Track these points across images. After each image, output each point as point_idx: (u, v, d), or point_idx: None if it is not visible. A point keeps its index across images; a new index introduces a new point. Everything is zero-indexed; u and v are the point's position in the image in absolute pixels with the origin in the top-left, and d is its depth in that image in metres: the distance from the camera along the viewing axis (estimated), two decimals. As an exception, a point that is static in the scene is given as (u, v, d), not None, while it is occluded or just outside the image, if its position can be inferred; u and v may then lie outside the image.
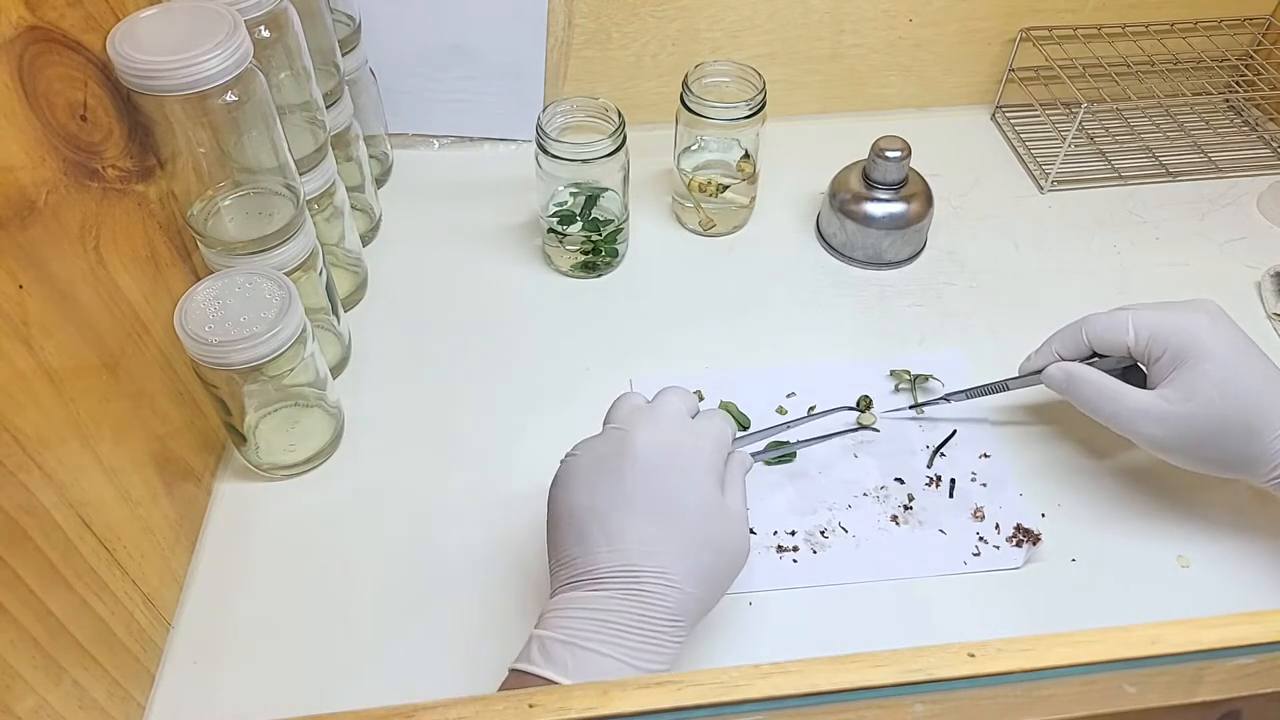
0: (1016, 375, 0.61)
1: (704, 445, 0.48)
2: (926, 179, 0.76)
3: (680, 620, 0.44)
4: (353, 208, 0.72)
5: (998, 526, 0.59)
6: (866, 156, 0.74)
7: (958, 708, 0.29)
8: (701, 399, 0.66)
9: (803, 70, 0.88)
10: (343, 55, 0.71)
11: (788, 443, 0.61)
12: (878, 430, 0.64)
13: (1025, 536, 0.58)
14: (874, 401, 0.66)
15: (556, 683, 0.41)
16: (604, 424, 0.51)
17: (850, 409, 0.64)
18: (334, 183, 0.66)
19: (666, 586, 0.44)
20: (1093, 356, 0.57)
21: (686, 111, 0.73)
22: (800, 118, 0.90)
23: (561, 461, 0.50)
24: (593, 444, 0.49)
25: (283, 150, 0.57)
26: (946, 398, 0.64)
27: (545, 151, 0.69)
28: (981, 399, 0.63)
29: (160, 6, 0.51)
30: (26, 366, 0.43)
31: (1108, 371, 0.56)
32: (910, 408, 0.65)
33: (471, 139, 0.88)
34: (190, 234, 0.58)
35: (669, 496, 0.46)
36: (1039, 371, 0.59)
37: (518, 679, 0.43)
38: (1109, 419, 0.55)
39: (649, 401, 0.51)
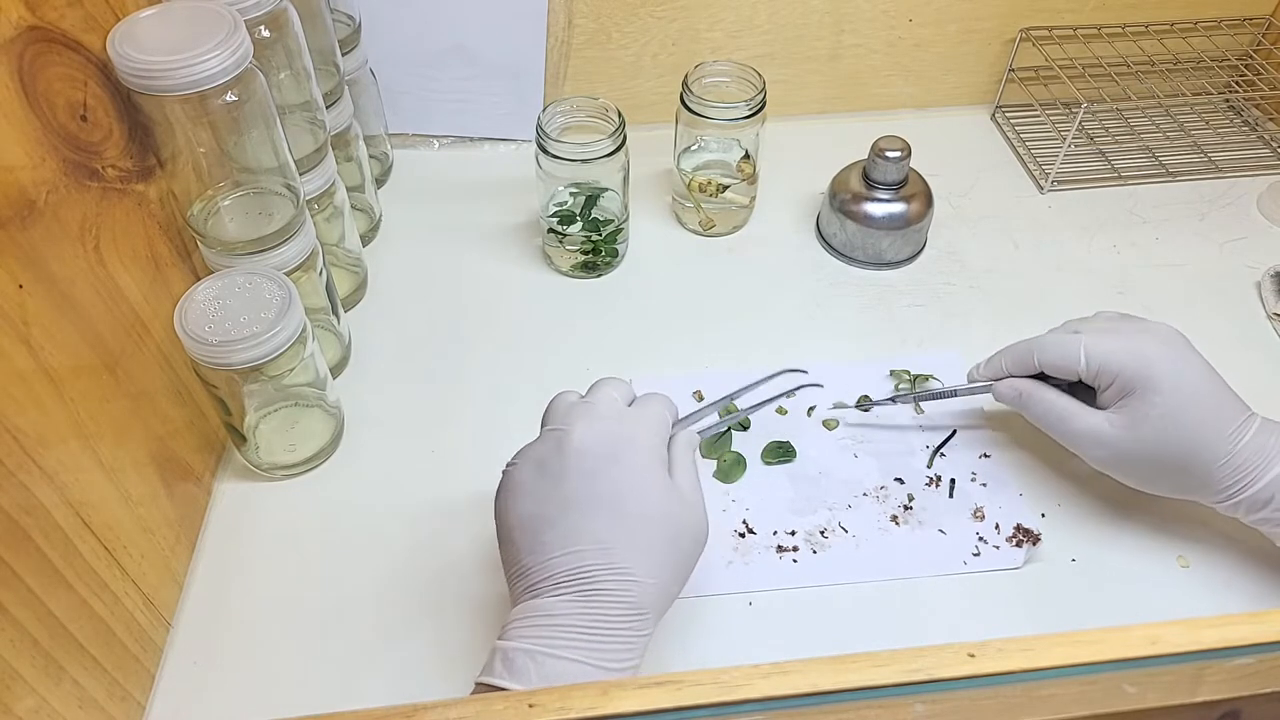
0: (965, 385, 0.62)
1: (642, 431, 0.48)
2: (926, 179, 0.76)
3: (643, 614, 0.44)
4: (353, 208, 0.72)
5: (998, 526, 0.59)
6: (866, 156, 0.74)
7: (958, 708, 0.29)
8: (701, 399, 0.66)
9: (803, 70, 0.88)
10: (343, 55, 0.71)
11: (731, 412, 0.62)
12: (821, 385, 0.65)
13: (1025, 536, 0.58)
14: (874, 401, 0.66)
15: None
16: (541, 426, 0.50)
17: (796, 371, 0.65)
18: (334, 183, 0.66)
19: (624, 581, 0.43)
20: (1041, 375, 0.58)
21: (686, 111, 0.73)
22: (800, 118, 0.90)
23: (503, 472, 0.49)
24: (531, 449, 0.48)
25: (283, 150, 0.57)
26: (894, 399, 0.64)
27: (545, 151, 0.69)
28: (970, 401, 0.64)
29: (160, 6, 0.51)
30: (26, 366, 0.43)
31: (1058, 384, 0.57)
32: (858, 406, 0.65)
33: (471, 139, 0.88)
34: (190, 234, 0.58)
35: (615, 490, 0.45)
36: (988, 382, 0.60)
37: (483, 691, 0.42)
38: (1058, 436, 0.57)
39: (583, 397, 0.50)
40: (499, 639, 0.44)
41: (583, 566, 0.43)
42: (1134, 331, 0.55)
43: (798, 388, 0.64)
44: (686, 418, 0.57)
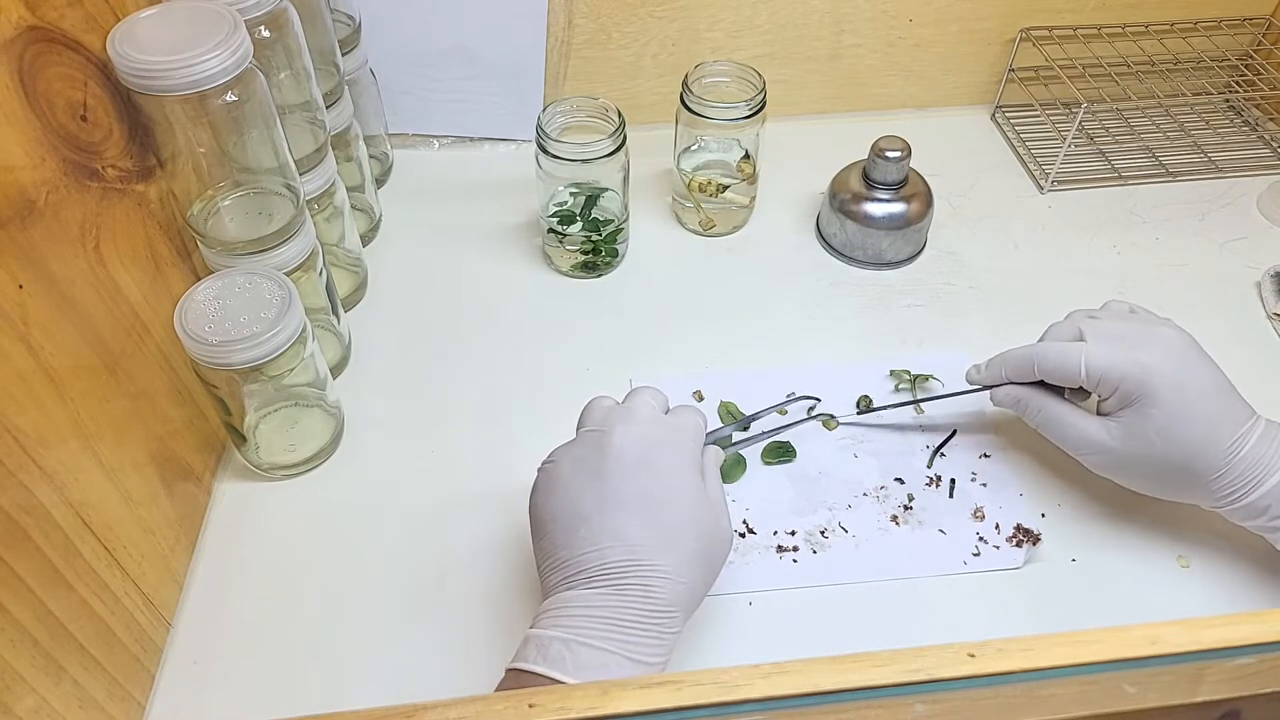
0: (964, 390, 0.62)
1: (681, 439, 0.49)
2: (926, 179, 0.76)
3: (672, 612, 0.44)
4: (353, 208, 0.72)
5: (998, 526, 0.59)
6: (866, 156, 0.74)
7: (958, 708, 0.29)
8: (701, 399, 0.66)
9: (803, 70, 0.88)
10: (343, 55, 0.71)
11: (747, 429, 0.63)
12: (834, 416, 0.65)
13: (1025, 536, 0.58)
14: (874, 402, 0.66)
15: (556, 680, 0.41)
16: (578, 429, 0.51)
17: (812, 398, 0.65)
18: (334, 183, 0.66)
19: (658, 579, 0.44)
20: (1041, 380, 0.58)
21: (686, 111, 0.73)
22: (800, 118, 0.90)
23: (539, 470, 0.50)
24: (569, 449, 0.50)
25: (283, 150, 0.57)
26: (905, 401, 0.65)
27: (545, 151, 0.69)
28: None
29: (160, 6, 0.51)
30: (26, 366, 0.43)
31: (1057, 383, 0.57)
32: (859, 411, 0.65)
33: (471, 139, 0.88)
34: (190, 234, 0.58)
35: (651, 491, 0.46)
36: (984, 388, 0.60)
37: (515, 678, 0.43)
38: (1057, 442, 0.57)
39: (620, 403, 0.51)
40: (532, 628, 0.44)
41: (615, 562, 0.44)
42: (1139, 339, 0.54)
43: (821, 415, 0.65)
44: (713, 432, 0.58)
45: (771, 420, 0.64)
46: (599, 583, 0.44)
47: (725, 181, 0.77)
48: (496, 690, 0.43)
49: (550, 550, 0.47)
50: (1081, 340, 0.55)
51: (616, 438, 0.47)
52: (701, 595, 0.47)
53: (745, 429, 0.64)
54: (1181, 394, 0.52)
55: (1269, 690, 0.30)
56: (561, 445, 0.50)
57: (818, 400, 0.65)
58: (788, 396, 0.65)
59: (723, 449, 0.58)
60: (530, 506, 0.49)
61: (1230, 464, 0.51)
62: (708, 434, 0.54)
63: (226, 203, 0.57)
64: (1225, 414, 0.52)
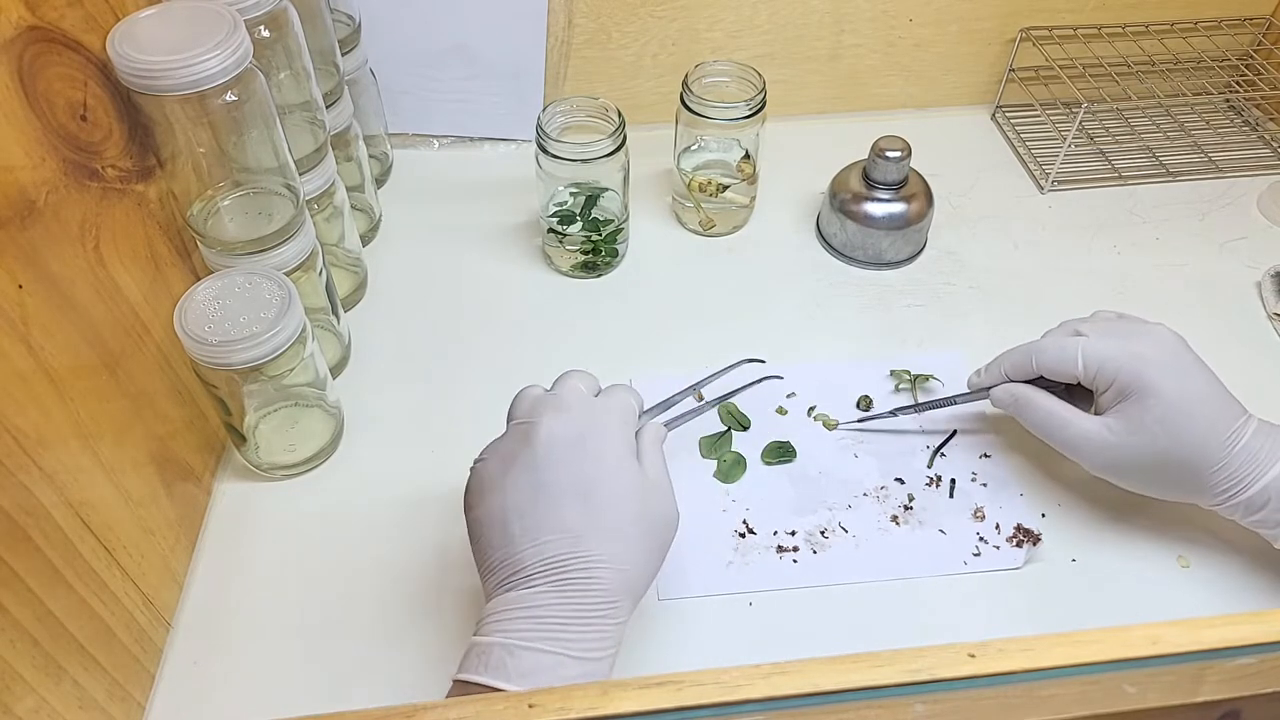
0: (965, 393, 0.62)
1: (610, 421, 0.48)
2: (926, 179, 0.76)
3: (616, 602, 0.44)
4: (353, 208, 0.72)
5: (998, 526, 0.59)
6: (866, 156, 0.74)
7: (958, 708, 0.29)
8: (701, 399, 0.66)
9: (803, 70, 0.88)
10: (343, 55, 0.71)
11: (698, 401, 0.62)
12: (781, 377, 0.65)
13: (1025, 536, 0.58)
14: (874, 402, 0.66)
15: (499, 688, 0.40)
16: (507, 421, 0.50)
17: (755, 361, 0.64)
18: (334, 183, 0.66)
19: (597, 569, 0.43)
20: (1040, 379, 0.58)
21: (686, 111, 0.73)
22: (800, 118, 0.90)
23: (471, 469, 0.49)
24: (499, 444, 0.49)
25: (283, 150, 0.57)
26: (894, 412, 0.64)
27: (545, 151, 0.69)
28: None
29: (160, 6, 0.51)
30: (26, 366, 0.43)
31: (1055, 385, 0.57)
32: (863, 419, 0.65)
33: (471, 139, 0.88)
34: (190, 234, 0.58)
35: (584, 480, 0.45)
36: (988, 389, 0.60)
37: (461, 689, 0.42)
38: (1055, 443, 0.57)
39: (549, 390, 0.50)
40: (475, 635, 0.43)
41: (554, 556, 0.43)
42: (1132, 334, 0.55)
43: (762, 379, 0.64)
44: (653, 408, 0.56)
45: (724, 386, 0.62)
46: (537, 581, 0.43)
47: (725, 181, 0.77)
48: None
49: (487, 552, 0.45)
50: (1079, 336, 0.55)
51: (543, 428, 0.46)
52: (648, 581, 0.46)
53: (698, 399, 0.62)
54: (1180, 383, 0.52)
55: (1269, 690, 0.30)
56: (492, 441, 0.49)
57: (762, 361, 0.64)
58: (737, 362, 0.64)
59: (680, 423, 0.57)
60: (465, 507, 0.48)
61: (1230, 455, 0.51)
62: (649, 410, 0.53)
63: (226, 203, 0.57)
64: (1222, 407, 0.53)
